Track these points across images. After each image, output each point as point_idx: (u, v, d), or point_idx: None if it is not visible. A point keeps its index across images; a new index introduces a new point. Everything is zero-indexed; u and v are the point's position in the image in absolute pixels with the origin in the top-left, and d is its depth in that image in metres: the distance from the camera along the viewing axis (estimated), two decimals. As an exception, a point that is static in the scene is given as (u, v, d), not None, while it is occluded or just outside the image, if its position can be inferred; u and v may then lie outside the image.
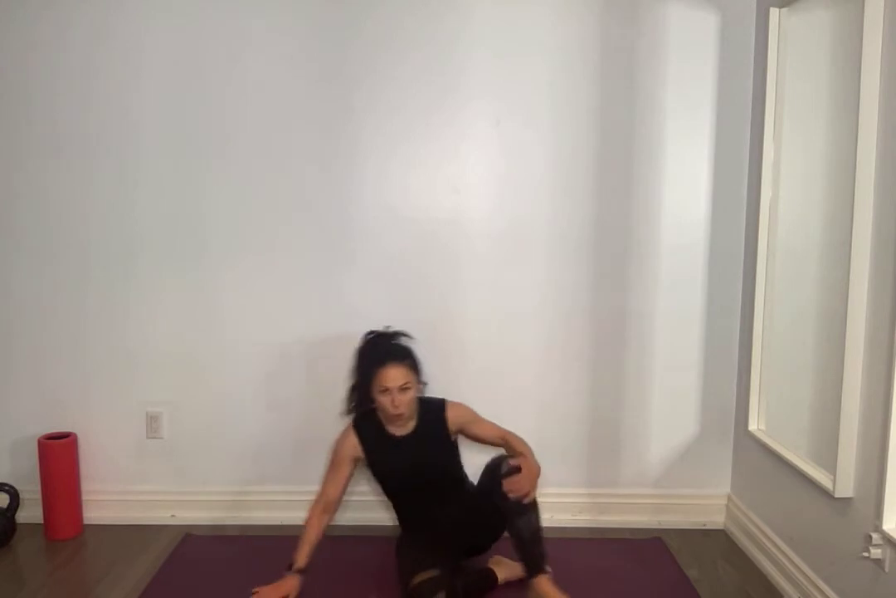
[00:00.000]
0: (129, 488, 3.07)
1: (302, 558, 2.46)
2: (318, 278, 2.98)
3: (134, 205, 2.95)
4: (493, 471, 2.46)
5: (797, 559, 2.52)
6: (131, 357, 3.02)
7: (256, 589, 2.42)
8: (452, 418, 2.58)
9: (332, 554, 2.78)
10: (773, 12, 2.67)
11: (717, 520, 3.09)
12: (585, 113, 2.91)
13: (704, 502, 3.09)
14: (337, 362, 3.01)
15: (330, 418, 3.03)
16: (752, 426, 2.84)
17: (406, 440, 2.56)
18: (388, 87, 2.90)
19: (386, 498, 2.70)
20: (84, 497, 3.03)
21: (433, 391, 3.04)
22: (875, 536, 2.06)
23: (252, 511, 3.06)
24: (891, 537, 2.01)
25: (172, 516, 3.07)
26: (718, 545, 2.94)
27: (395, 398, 2.45)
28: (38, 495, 2.95)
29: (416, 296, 2.99)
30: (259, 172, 2.94)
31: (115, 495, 3.06)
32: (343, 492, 2.58)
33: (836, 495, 2.22)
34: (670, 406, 3.05)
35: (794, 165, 2.69)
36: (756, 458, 2.84)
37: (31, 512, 2.97)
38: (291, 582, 2.44)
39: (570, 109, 2.92)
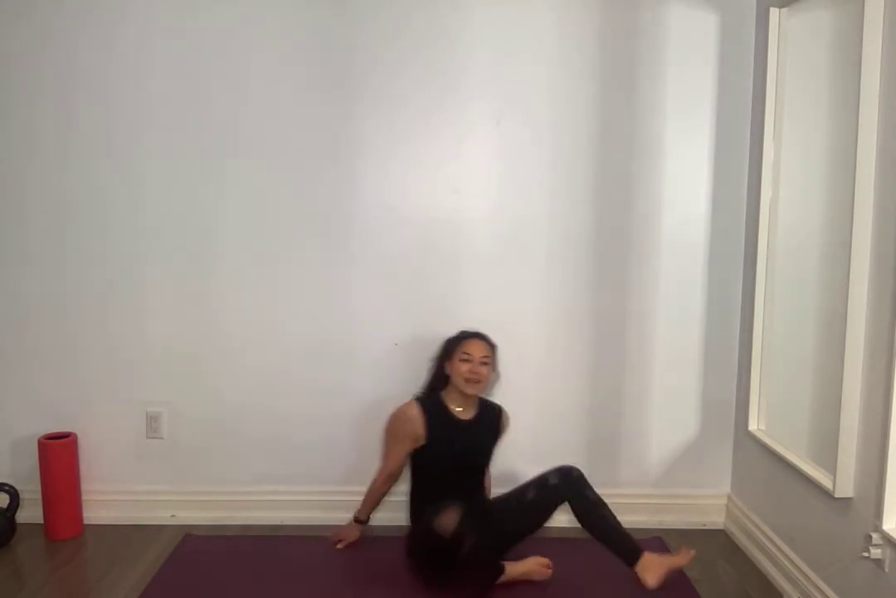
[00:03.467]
0: (129, 489, 3.06)
1: (363, 512, 2.82)
2: (319, 279, 2.99)
3: (134, 205, 2.95)
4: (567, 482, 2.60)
5: (797, 559, 2.52)
6: (131, 357, 3.01)
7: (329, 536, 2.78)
8: (504, 421, 2.83)
9: (332, 554, 2.79)
10: (773, 12, 2.67)
11: (717, 520, 3.09)
12: (585, 113, 2.92)
13: (704, 502, 3.09)
14: (337, 361, 3.02)
15: (330, 418, 3.05)
16: (752, 426, 2.84)
17: (466, 425, 2.71)
18: (388, 87, 2.90)
19: (415, 483, 2.75)
20: (84, 497, 3.03)
21: (433, 391, 3.03)
22: (875, 536, 2.06)
23: (252, 511, 3.06)
24: (891, 537, 2.01)
25: (172, 516, 3.07)
26: (718, 545, 2.94)
27: (475, 367, 2.63)
28: (38, 495, 2.95)
29: (417, 296, 2.99)
30: (259, 172, 2.94)
31: (115, 495, 3.06)
32: (403, 466, 2.74)
33: (836, 496, 2.22)
34: (670, 406, 3.06)
35: (794, 165, 2.69)
36: (756, 458, 2.84)
37: (31, 512, 2.97)
38: (352, 528, 2.83)
39: (569, 109, 2.92)
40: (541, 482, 2.61)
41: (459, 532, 2.36)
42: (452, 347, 2.70)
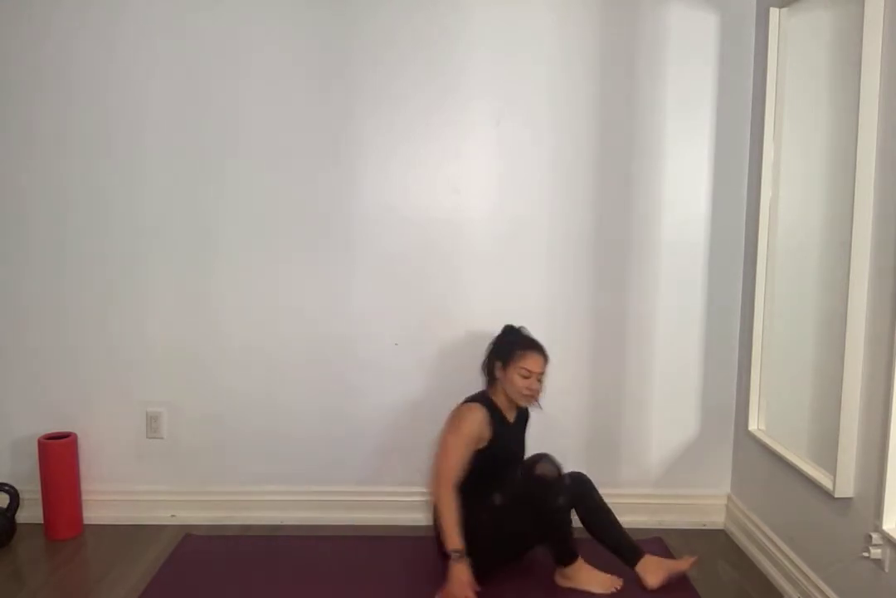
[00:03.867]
0: (129, 488, 3.06)
1: (460, 540, 2.42)
2: (319, 279, 2.98)
3: (133, 205, 2.95)
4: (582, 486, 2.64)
5: (797, 559, 2.52)
6: (131, 357, 3.01)
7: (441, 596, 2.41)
8: (528, 420, 2.82)
9: (332, 554, 2.79)
10: (773, 12, 2.67)
11: (717, 520, 3.09)
12: (585, 113, 2.92)
13: (704, 502, 3.09)
14: (337, 361, 3.02)
15: (329, 418, 3.05)
16: (752, 426, 2.84)
17: (513, 426, 2.71)
18: (388, 87, 2.90)
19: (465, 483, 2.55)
20: (84, 497, 3.03)
21: (434, 390, 3.04)
22: (875, 536, 2.06)
23: (252, 511, 3.06)
24: (891, 537, 2.01)
25: (172, 516, 3.07)
26: (718, 545, 2.94)
27: (533, 383, 2.60)
28: (38, 495, 2.95)
29: (416, 296, 2.99)
30: (260, 172, 2.94)
31: (115, 495, 3.06)
32: None
33: (836, 496, 2.22)
34: (670, 406, 3.06)
35: (794, 165, 2.69)
36: (756, 458, 2.84)
37: (31, 512, 2.97)
38: (462, 571, 2.39)
39: (569, 109, 2.92)
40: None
41: (560, 476, 2.50)
42: (512, 356, 2.61)
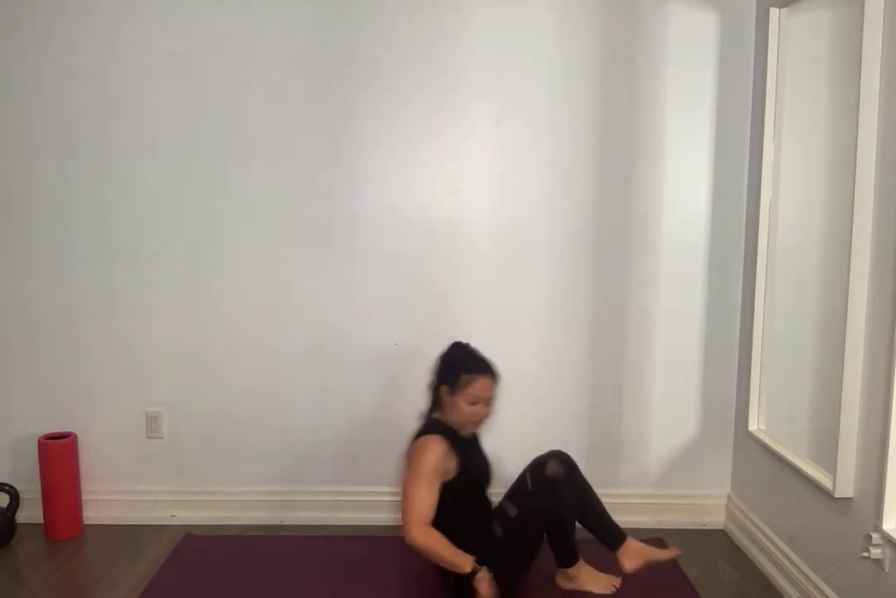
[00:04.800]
0: (129, 488, 3.07)
1: (468, 558, 2.28)
2: (319, 279, 2.98)
3: (135, 205, 2.95)
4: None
5: (797, 559, 2.52)
6: (131, 357, 3.02)
7: None
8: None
9: (332, 554, 2.79)
10: (773, 12, 2.67)
11: (717, 520, 3.09)
12: (585, 113, 2.92)
13: (704, 502, 3.09)
14: (337, 361, 3.02)
15: (330, 418, 3.05)
16: (752, 426, 2.84)
17: (472, 442, 2.58)
18: (388, 87, 2.90)
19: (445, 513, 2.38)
20: (84, 497, 3.03)
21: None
22: (875, 536, 2.06)
23: (252, 511, 3.06)
24: (891, 537, 2.01)
25: (172, 516, 3.07)
26: (718, 545, 2.94)
27: (483, 409, 2.45)
28: (38, 495, 2.95)
29: (417, 295, 2.99)
30: (260, 172, 2.94)
31: (115, 495, 3.06)
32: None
33: (836, 495, 2.22)
34: (670, 406, 3.06)
35: (794, 165, 2.69)
36: (756, 458, 2.84)
37: (31, 512, 2.97)
38: (489, 581, 2.28)
39: (569, 109, 2.92)
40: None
41: (565, 476, 2.44)
42: (459, 380, 2.42)
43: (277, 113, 2.92)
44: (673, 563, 2.73)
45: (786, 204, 2.72)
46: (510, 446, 2.96)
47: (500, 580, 2.31)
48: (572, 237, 2.97)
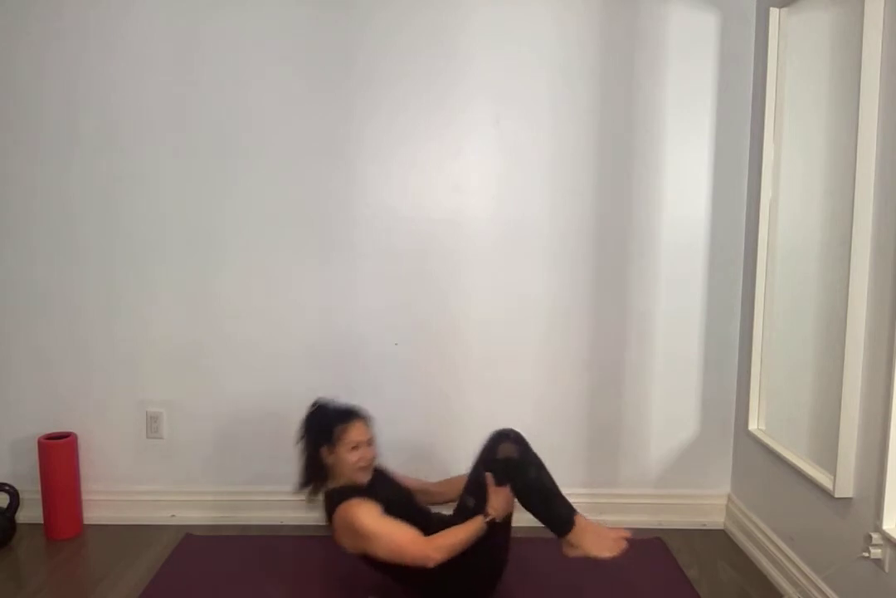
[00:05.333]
0: (129, 488, 3.07)
1: (474, 522, 2.29)
2: (320, 279, 2.98)
3: (135, 204, 2.95)
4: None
5: (797, 559, 2.52)
6: (131, 357, 3.02)
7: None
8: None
9: (333, 554, 2.78)
10: (773, 12, 2.67)
11: (717, 520, 3.09)
12: (585, 113, 2.92)
13: (704, 502, 3.09)
14: (337, 361, 3.02)
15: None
16: (752, 426, 2.84)
17: (378, 477, 2.50)
18: (389, 88, 2.90)
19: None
20: (84, 497, 3.03)
21: (433, 390, 3.04)
22: (875, 536, 2.06)
23: (252, 511, 3.06)
24: (891, 537, 2.01)
25: (172, 516, 3.07)
26: (718, 545, 2.94)
27: (367, 451, 2.43)
28: (38, 496, 2.95)
29: (417, 295, 2.99)
30: (261, 172, 2.94)
31: (115, 495, 3.06)
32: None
33: (836, 496, 2.22)
34: (670, 406, 3.05)
35: (794, 165, 2.69)
36: (756, 458, 2.84)
37: (31, 512, 2.97)
38: (499, 500, 2.31)
39: (569, 109, 2.92)
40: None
41: (519, 455, 2.35)
42: (333, 435, 2.39)
43: (278, 113, 2.92)
44: (673, 563, 2.73)
45: (786, 204, 2.72)
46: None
47: (477, 572, 2.33)
48: (572, 237, 2.97)
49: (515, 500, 2.35)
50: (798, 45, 2.65)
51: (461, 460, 3.07)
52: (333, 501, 2.37)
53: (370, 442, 2.46)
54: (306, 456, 2.46)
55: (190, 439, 3.07)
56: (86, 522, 3.02)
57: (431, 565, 2.20)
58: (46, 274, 2.97)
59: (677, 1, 2.88)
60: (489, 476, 2.34)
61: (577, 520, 2.31)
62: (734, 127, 2.92)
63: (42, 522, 2.96)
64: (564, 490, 3.09)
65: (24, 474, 3.01)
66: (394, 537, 2.25)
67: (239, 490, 3.08)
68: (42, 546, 2.88)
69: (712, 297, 3.00)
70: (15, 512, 2.90)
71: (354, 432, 2.41)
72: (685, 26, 2.88)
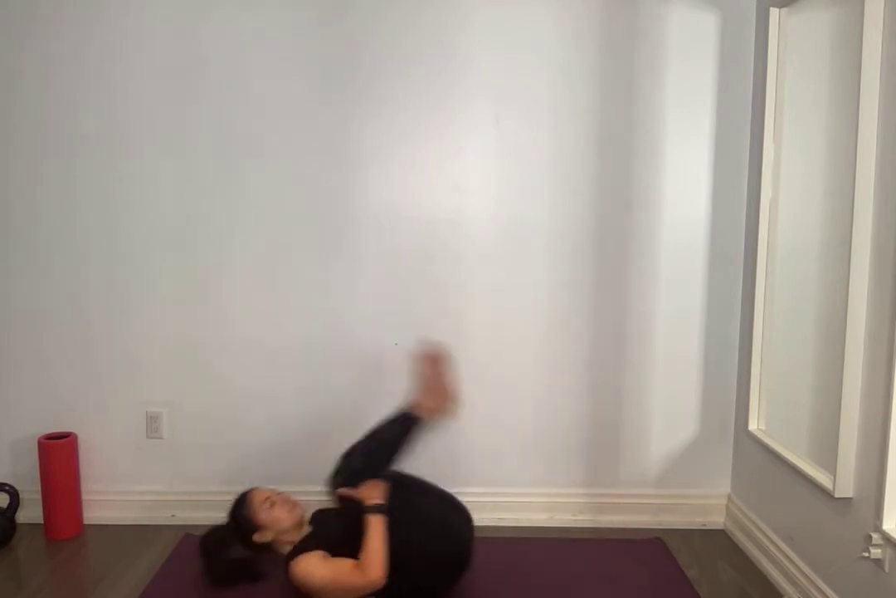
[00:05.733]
0: (129, 488, 3.07)
1: (372, 524, 2.34)
2: (320, 279, 2.98)
3: (135, 205, 2.95)
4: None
5: (797, 559, 2.52)
6: (131, 357, 3.02)
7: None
8: None
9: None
10: (773, 12, 2.67)
11: (717, 520, 3.09)
12: (585, 113, 2.92)
13: (704, 502, 3.09)
14: (337, 361, 3.02)
15: (330, 418, 3.05)
16: (752, 426, 2.84)
17: (325, 519, 2.54)
18: (390, 88, 2.90)
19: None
20: (84, 497, 3.03)
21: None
22: (875, 536, 2.06)
23: (252, 511, 3.06)
24: (891, 537, 2.01)
25: (172, 516, 3.07)
26: (718, 545, 2.94)
27: (281, 504, 2.50)
28: (38, 496, 2.95)
29: (417, 295, 2.99)
30: (262, 172, 2.94)
31: (115, 495, 3.06)
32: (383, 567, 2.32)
33: (836, 496, 2.22)
34: (670, 406, 3.06)
35: (794, 165, 2.69)
36: (756, 458, 2.84)
37: (31, 512, 2.97)
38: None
39: (569, 109, 2.92)
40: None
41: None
42: (250, 514, 2.47)
43: (279, 114, 2.92)
44: (673, 563, 2.74)
45: (786, 204, 2.72)
46: (510, 445, 2.97)
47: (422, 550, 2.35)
48: (572, 237, 2.97)
49: (383, 485, 2.46)
50: (798, 45, 2.65)
51: (461, 460, 3.08)
52: (290, 560, 2.38)
53: (279, 496, 2.54)
54: (244, 543, 2.51)
55: (190, 439, 3.07)
56: (86, 522, 3.02)
57: (382, 582, 2.22)
58: (46, 274, 2.97)
59: (677, 1, 2.88)
60: (342, 491, 2.48)
61: (412, 405, 2.56)
62: (734, 127, 2.92)
63: (42, 522, 2.96)
64: (565, 490, 3.11)
65: (24, 474, 3.01)
66: (340, 581, 2.26)
67: (239, 490, 3.07)
68: (42, 546, 2.88)
69: (712, 297, 3.01)
70: (15, 512, 2.91)
71: (257, 497, 2.51)
72: (685, 26, 2.88)
